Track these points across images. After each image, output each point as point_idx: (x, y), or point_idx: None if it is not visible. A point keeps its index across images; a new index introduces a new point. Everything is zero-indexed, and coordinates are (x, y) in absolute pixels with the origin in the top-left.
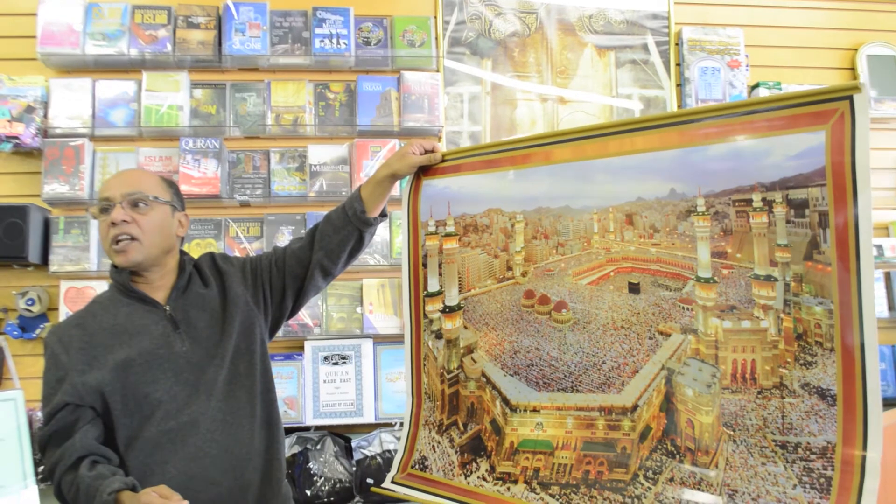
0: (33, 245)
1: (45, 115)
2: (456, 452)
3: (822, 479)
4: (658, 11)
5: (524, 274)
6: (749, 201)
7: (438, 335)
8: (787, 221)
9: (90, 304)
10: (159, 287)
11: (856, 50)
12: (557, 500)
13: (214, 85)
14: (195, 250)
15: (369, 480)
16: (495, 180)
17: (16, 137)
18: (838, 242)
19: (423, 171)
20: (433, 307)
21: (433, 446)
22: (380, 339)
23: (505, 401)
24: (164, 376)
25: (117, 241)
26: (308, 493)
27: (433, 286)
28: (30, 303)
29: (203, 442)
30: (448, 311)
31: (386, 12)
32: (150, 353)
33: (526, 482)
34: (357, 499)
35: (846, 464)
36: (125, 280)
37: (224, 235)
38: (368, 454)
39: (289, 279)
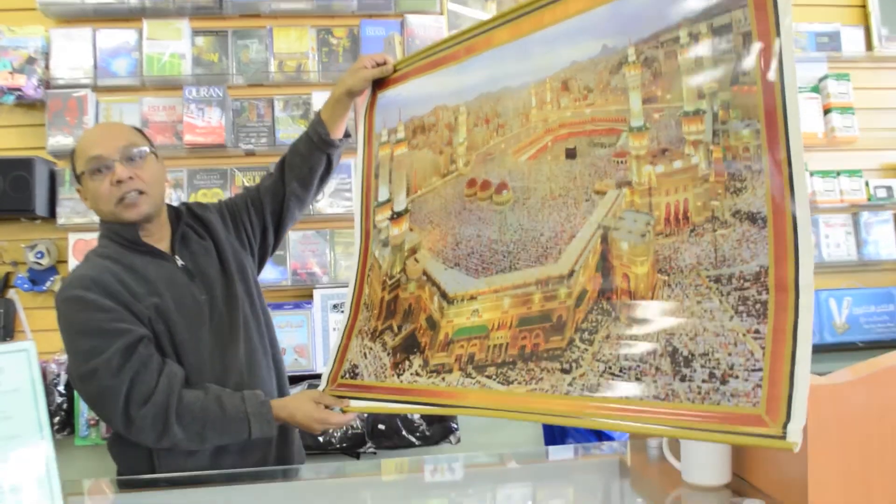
0: (40, 198)
1: (47, 67)
2: (388, 355)
3: (757, 305)
4: None
5: (467, 164)
6: (677, 39)
7: (385, 243)
8: (713, 50)
9: (93, 260)
10: (159, 239)
11: None
12: (495, 380)
13: (216, 32)
14: (202, 200)
15: (381, 426)
16: (441, 77)
17: (18, 89)
18: (762, 57)
19: (378, 86)
20: (382, 216)
21: (364, 353)
22: None
23: (443, 295)
24: (194, 325)
25: (122, 198)
26: (321, 439)
27: (383, 195)
28: (39, 256)
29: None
30: (395, 216)
31: None
32: (179, 304)
33: (461, 369)
34: (369, 444)
35: (780, 284)
36: (134, 234)
37: (230, 185)
38: None
39: (268, 216)
